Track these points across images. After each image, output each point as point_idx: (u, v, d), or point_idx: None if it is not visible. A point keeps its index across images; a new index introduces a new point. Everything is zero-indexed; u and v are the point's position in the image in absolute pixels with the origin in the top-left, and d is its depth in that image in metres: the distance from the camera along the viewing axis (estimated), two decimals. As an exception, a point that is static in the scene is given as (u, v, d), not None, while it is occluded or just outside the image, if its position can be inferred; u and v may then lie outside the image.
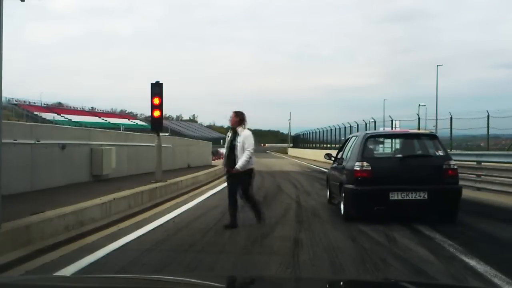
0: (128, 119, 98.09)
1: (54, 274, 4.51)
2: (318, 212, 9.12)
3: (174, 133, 70.68)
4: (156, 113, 11.92)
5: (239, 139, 7.31)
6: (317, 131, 46.93)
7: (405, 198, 7.66)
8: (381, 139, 10.43)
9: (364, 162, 7.89)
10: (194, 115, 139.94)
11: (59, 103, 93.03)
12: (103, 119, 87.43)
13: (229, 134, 7.60)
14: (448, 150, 22.00)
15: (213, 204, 9.97)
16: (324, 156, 11.11)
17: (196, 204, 10.42)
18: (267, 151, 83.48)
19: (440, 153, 8.31)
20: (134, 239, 6.44)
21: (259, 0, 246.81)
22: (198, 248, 5.93)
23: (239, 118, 7.47)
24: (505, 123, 20.33)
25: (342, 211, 8.25)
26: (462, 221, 8.09)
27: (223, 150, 7.62)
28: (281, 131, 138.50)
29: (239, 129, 7.40)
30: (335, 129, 37.84)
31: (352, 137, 9.81)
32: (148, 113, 13.52)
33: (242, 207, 7.66)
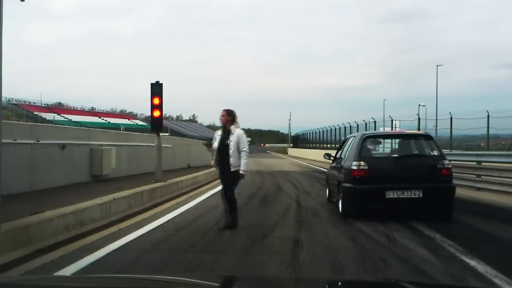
0: (128, 119, 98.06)
1: (54, 274, 4.50)
2: (318, 212, 9.12)
3: (174, 133, 70.67)
4: (156, 113, 11.92)
5: (232, 138, 7.13)
6: (317, 131, 46.90)
7: (401, 196, 7.88)
8: (378, 139, 10.66)
9: (361, 162, 8.13)
10: (194, 115, 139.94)
11: (59, 103, 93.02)
12: (103, 119, 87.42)
13: (219, 132, 7.36)
14: (448, 150, 22.11)
15: (213, 204, 9.95)
16: (324, 156, 11.35)
17: (196, 204, 10.42)
18: (267, 151, 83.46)
19: (435, 153, 8.56)
20: (134, 239, 6.44)
21: (259, 0, 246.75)
22: (198, 248, 5.93)
23: (231, 117, 7.28)
24: (505, 123, 20.35)
25: (340, 209, 8.48)
26: (462, 221, 8.10)
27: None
28: (281, 131, 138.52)
29: (231, 128, 7.21)
30: (335, 129, 37.81)
31: (350, 137, 10.04)
32: (148, 113, 13.54)
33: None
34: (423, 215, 8.16)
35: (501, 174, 12.04)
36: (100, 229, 6.92)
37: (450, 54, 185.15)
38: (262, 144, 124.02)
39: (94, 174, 12.53)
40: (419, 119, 25.22)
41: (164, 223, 7.80)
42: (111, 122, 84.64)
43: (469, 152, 16.89)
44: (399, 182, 7.93)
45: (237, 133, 7.20)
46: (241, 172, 7.20)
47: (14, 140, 9.11)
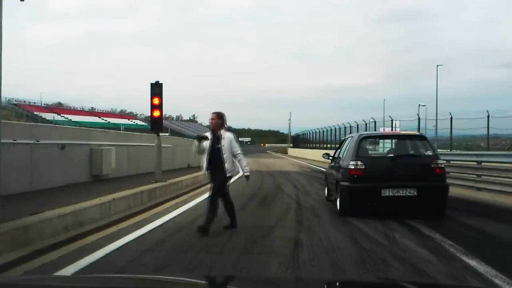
0: (128, 119, 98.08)
1: (54, 274, 4.50)
2: (318, 212, 9.11)
3: (174, 133, 70.70)
4: (156, 113, 11.91)
5: (224, 143, 6.92)
6: (317, 131, 46.89)
7: (396, 194, 8.18)
8: (375, 140, 11.08)
9: (358, 161, 8.45)
10: (194, 115, 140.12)
11: (59, 103, 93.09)
12: (103, 119, 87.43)
13: (209, 135, 7.06)
14: (448, 150, 22.10)
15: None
16: (323, 156, 11.68)
17: (196, 204, 10.40)
18: (267, 151, 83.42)
19: (429, 152, 8.89)
20: (134, 239, 6.43)
21: (259, 0, 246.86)
22: (198, 248, 5.92)
23: (221, 120, 7.06)
24: (505, 123, 20.38)
25: (338, 207, 8.78)
26: (462, 221, 8.10)
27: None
28: (281, 131, 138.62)
29: (221, 131, 7.01)
30: (335, 129, 37.81)
31: (348, 137, 10.38)
32: (148, 113, 13.52)
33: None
34: (423, 215, 8.20)
35: (501, 174, 12.03)
36: (100, 229, 6.91)
37: (450, 54, 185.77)
38: (262, 144, 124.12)
39: (93, 174, 12.52)
40: (419, 119, 25.27)
41: (164, 223, 7.79)
42: (111, 122, 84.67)
43: (469, 152, 16.91)
44: (394, 181, 8.21)
45: (228, 136, 7.01)
46: (246, 174, 7.25)
47: (13, 140, 9.10)
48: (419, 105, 41.38)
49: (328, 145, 38.66)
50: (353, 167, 8.39)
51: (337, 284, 2.72)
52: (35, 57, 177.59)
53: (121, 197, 8.58)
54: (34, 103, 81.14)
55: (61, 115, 79.46)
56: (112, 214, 7.81)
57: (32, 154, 9.91)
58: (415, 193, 8.16)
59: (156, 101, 11.77)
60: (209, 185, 7.38)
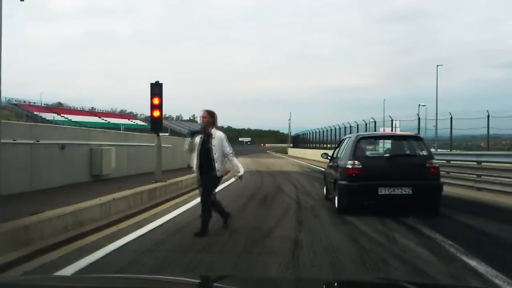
0: (128, 119, 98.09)
1: (54, 274, 4.49)
2: (318, 212, 9.11)
3: (174, 133, 70.64)
4: (156, 113, 11.90)
5: (214, 142, 6.76)
6: (317, 131, 46.88)
7: (392, 193, 8.49)
8: (371, 140, 11.35)
9: (356, 161, 8.76)
10: (194, 115, 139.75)
11: (59, 103, 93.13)
12: (103, 119, 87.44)
13: (201, 134, 6.91)
14: (448, 150, 22.08)
15: (213, 204, 9.94)
16: (321, 155, 12.05)
17: (196, 204, 10.36)
18: (267, 151, 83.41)
19: (424, 152, 9.18)
20: (134, 239, 6.43)
21: (259, 0, 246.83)
22: (198, 248, 5.92)
23: (212, 119, 6.90)
24: (505, 123, 20.39)
25: (336, 205, 9.08)
26: (462, 221, 8.10)
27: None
28: (281, 131, 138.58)
29: (212, 130, 6.84)
30: (335, 129, 37.79)
31: (346, 138, 10.78)
32: (148, 113, 13.52)
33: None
34: (423, 215, 8.23)
35: (501, 174, 12.03)
36: (100, 229, 6.91)
37: (450, 54, 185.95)
38: (262, 144, 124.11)
39: (93, 174, 12.52)
40: (419, 119, 25.25)
41: (164, 223, 7.79)
42: (111, 122, 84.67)
43: (469, 152, 16.91)
44: (390, 180, 8.52)
45: (219, 136, 6.82)
46: (239, 174, 7.10)
47: (13, 140, 9.10)
48: (419, 105, 41.44)
49: (328, 145, 38.62)
50: (350, 167, 8.70)
51: (337, 284, 2.71)
52: (35, 57, 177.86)
53: (121, 197, 8.58)
54: (34, 103, 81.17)
55: (61, 115, 79.48)
56: (112, 214, 7.81)
57: (32, 154, 9.91)
58: (410, 191, 8.44)
59: (156, 101, 11.77)
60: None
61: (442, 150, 25.10)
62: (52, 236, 5.94)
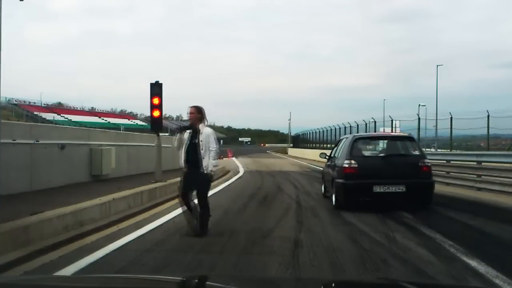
0: (128, 119, 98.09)
1: (54, 274, 4.49)
2: (318, 213, 9.11)
3: (174, 133, 70.57)
4: (156, 113, 11.90)
5: (201, 137, 6.65)
6: (317, 131, 46.83)
7: (386, 190, 8.95)
8: (367, 141, 11.74)
9: (352, 160, 9.22)
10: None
11: (59, 103, 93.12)
12: (103, 119, 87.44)
13: (189, 130, 6.81)
14: (448, 150, 22.11)
15: (213, 204, 9.92)
16: (320, 155, 12.63)
17: (195, 204, 10.38)
18: (267, 151, 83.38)
19: (417, 152, 9.73)
20: (134, 239, 6.42)
21: (259, 0, 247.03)
22: (198, 248, 5.91)
23: (200, 114, 6.78)
24: (505, 123, 20.37)
25: (334, 202, 9.47)
26: (462, 221, 8.10)
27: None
28: (281, 131, 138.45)
29: (200, 126, 6.72)
30: (335, 129, 37.73)
31: (343, 138, 11.24)
32: (148, 113, 13.52)
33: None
34: (423, 215, 8.26)
35: (501, 174, 12.02)
36: (100, 229, 6.90)
37: (450, 54, 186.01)
38: (262, 144, 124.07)
39: (93, 174, 12.52)
40: (419, 119, 25.22)
41: (164, 223, 7.78)
42: (111, 122, 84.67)
43: (469, 152, 16.90)
44: (385, 178, 8.98)
45: (206, 132, 6.73)
46: (210, 169, 6.72)
47: (13, 140, 9.10)
48: (419, 105, 41.49)
49: (328, 145, 38.55)
50: (347, 166, 9.15)
51: (337, 284, 2.71)
52: (35, 57, 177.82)
53: (121, 197, 8.58)
54: (34, 103, 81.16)
55: (61, 115, 79.49)
56: (112, 214, 7.80)
57: (32, 154, 9.90)
58: (403, 189, 8.91)
59: (156, 101, 11.77)
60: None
61: (442, 150, 25.10)
62: (52, 236, 5.94)
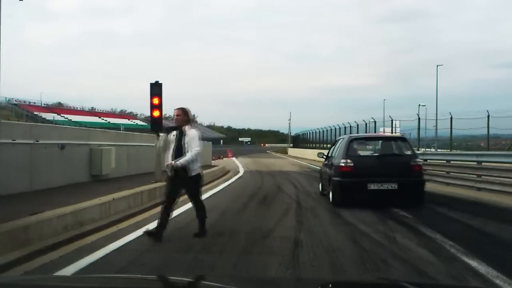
0: (128, 119, 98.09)
1: (54, 274, 4.49)
2: (318, 213, 9.11)
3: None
4: (156, 113, 11.90)
5: (186, 139, 6.54)
6: (317, 131, 46.83)
7: (380, 188, 9.44)
8: (362, 141, 12.23)
9: (348, 159, 9.73)
10: (194, 115, 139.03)
11: (59, 103, 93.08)
12: (103, 119, 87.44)
13: (175, 132, 6.66)
14: (448, 150, 22.13)
15: (213, 204, 9.93)
16: (318, 155, 13.31)
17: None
18: (267, 151, 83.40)
19: (409, 152, 10.19)
20: (134, 239, 6.41)
21: (259, 0, 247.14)
22: (198, 248, 5.91)
23: (186, 117, 6.69)
24: (505, 123, 20.36)
25: (331, 199, 10.02)
26: (462, 221, 8.10)
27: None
28: (281, 131, 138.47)
29: (186, 128, 6.62)
30: (335, 129, 37.70)
31: (339, 139, 11.78)
32: (148, 113, 13.51)
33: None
34: (423, 215, 8.30)
35: (501, 174, 12.01)
36: (100, 229, 6.90)
37: (450, 54, 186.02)
38: (262, 144, 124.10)
39: (93, 174, 12.51)
40: (419, 119, 25.16)
41: (164, 223, 7.75)
42: (111, 122, 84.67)
43: (469, 152, 16.90)
44: (379, 176, 9.46)
45: (191, 134, 6.60)
46: (175, 163, 6.47)
47: (13, 140, 9.09)
48: (419, 105, 41.53)
49: (328, 145, 38.54)
50: (343, 165, 9.67)
51: (337, 284, 2.71)
52: (35, 57, 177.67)
53: (121, 197, 8.57)
54: (34, 103, 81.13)
55: (61, 115, 79.48)
56: (112, 214, 7.80)
57: (32, 154, 9.90)
58: (396, 186, 9.39)
59: (156, 101, 11.76)
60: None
61: (442, 150, 25.10)
62: (52, 236, 5.93)
